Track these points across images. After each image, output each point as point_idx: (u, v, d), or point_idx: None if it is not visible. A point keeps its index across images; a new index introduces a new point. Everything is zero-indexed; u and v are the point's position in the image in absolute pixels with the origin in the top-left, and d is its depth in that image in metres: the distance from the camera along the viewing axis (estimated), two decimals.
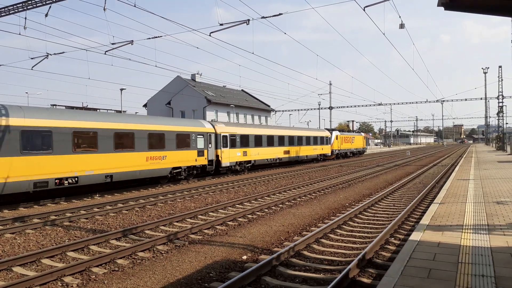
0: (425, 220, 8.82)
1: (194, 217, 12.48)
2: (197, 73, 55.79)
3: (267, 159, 31.81)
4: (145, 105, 56.68)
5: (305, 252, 8.27)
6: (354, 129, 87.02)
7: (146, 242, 8.89)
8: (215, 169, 25.66)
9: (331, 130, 47.76)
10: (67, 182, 16.12)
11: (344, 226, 10.73)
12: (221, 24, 14.90)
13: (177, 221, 11.83)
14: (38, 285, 6.61)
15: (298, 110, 70.07)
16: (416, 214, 12.12)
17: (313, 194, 17.16)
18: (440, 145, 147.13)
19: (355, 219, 11.70)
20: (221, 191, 18.48)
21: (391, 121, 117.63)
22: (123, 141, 18.69)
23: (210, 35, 15.58)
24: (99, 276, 7.13)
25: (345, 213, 12.00)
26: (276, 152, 33.23)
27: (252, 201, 15.50)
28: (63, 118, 16.20)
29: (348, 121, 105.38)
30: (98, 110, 19.37)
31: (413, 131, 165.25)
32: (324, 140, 43.53)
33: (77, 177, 16.50)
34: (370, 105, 64.30)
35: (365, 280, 6.58)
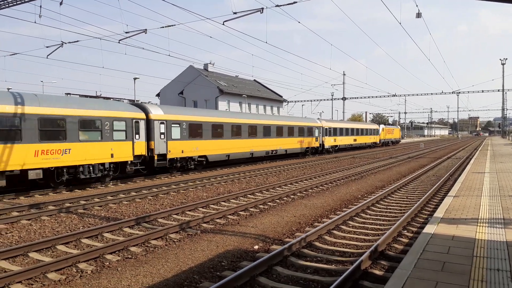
0: (439, 213, 8.71)
1: (206, 207, 12.55)
2: (210, 63, 55.68)
3: (345, 145, 45.21)
4: (158, 95, 56.93)
5: (317, 243, 8.26)
6: (367, 120, 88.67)
7: (159, 230, 8.98)
8: (319, 150, 39.24)
9: (378, 124, 63.23)
10: (273, 153, 30.52)
11: (356, 218, 10.68)
12: (235, 13, 14.78)
13: (189, 210, 11.92)
14: (54, 270, 6.74)
15: (311, 101, 69.70)
16: (430, 206, 11.99)
17: (325, 185, 17.10)
18: (454, 137, 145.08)
19: (368, 211, 11.62)
20: (233, 181, 18.54)
21: (405, 113, 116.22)
22: (291, 131, 33.32)
23: (223, 24, 15.49)
24: (113, 263, 7.23)
25: (357, 205, 11.94)
26: (350, 140, 46.96)
27: (264, 191, 15.52)
28: (263, 119, 30.27)
29: (361, 112, 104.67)
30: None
31: (427, 123, 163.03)
32: (374, 132, 56.81)
33: (276, 150, 30.79)
34: (384, 96, 63.64)
35: (377, 272, 6.54)
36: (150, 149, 19.42)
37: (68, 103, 16.11)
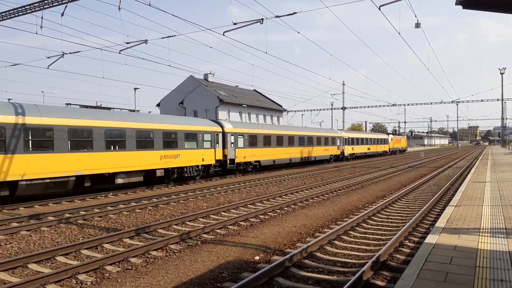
0: (441, 223, 8.67)
1: (207, 217, 12.50)
2: (210, 73, 55.93)
3: (361, 153, 51.33)
4: (158, 105, 57.08)
5: (318, 254, 8.20)
6: (367, 130, 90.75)
7: (159, 241, 8.93)
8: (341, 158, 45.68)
9: (388, 134, 71.68)
10: (305, 159, 36.29)
11: (357, 228, 10.62)
12: (235, 24, 14.88)
13: (189, 221, 11.87)
14: (53, 282, 6.68)
15: (311, 110, 69.81)
16: (431, 216, 11.93)
17: (326, 195, 17.05)
18: (454, 146, 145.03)
19: (369, 221, 11.57)
20: (233, 191, 18.49)
21: (405, 122, 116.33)
22: (319, 141, 39.29)
23: (223, 35, 15.59)
24: (113, 274, 7.18)
25: (359, 215, 11.89)
26: (365, 149, 53.26)
27: (264, 201, 15.47)
28: (298, 131, 36.25)
29: (361, 122, 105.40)
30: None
31: (427, 133, 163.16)
32: (385, 141, 64.04)
33: (308, 157, 36.70)
34: (383, 106, 63.87)
35: (379, 282, 6.49)
36: (224, 155, 25.56)
37: (178, 120, 22.48)
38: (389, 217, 12.23)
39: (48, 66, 19.98)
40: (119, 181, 18.17)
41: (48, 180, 15.25)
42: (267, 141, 30.40)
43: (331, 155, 42.28)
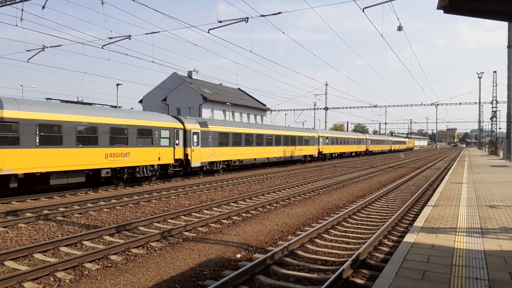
0: (419, 222, 8.86)
1: (188, 215, 12.44)
2: (194, 70, 55.59)
3: (396, 149, 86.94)
4: (140, 101, 56.44)
5: (299, 252, 8.27)
6: (348, 130, 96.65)
7: (140, 239, 8.85)
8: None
9: (405, 137, 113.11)
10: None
11: (337, 227, 10.75)
12: (220, 22, 14.85)
13: (171, 218, 11.79)
14: (30, 280, 6.55)
15: (294, 110, 70.14)
16: (410, 216, 12.17)
17: (308, 194, 17.18)
18: (433, 148, 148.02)
19: (349, 219, 11.72)
20: (216, 189, 18.45)
21: (386, 123, 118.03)
22: (379, 142, 72.68)
23: (208, 32, 15.54)
24: (92, 272, 7.09)
25: (339, 214, 12.03)
26: (397, 146, 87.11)
27: (247, 199, 15.49)
28: (375, 136, 76.26)
29: (343, 122, 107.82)
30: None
31: (407, 134, 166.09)
32: (403, 142, 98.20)
33: (389, 149, 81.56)
34: (365, 107, 64.63)
35: (358, 280, 6.60)
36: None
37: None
38: (369, 216, 12.42)
39: (28, 59, 19.58)
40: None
41: None
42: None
43: (386, 149, 73.04)
